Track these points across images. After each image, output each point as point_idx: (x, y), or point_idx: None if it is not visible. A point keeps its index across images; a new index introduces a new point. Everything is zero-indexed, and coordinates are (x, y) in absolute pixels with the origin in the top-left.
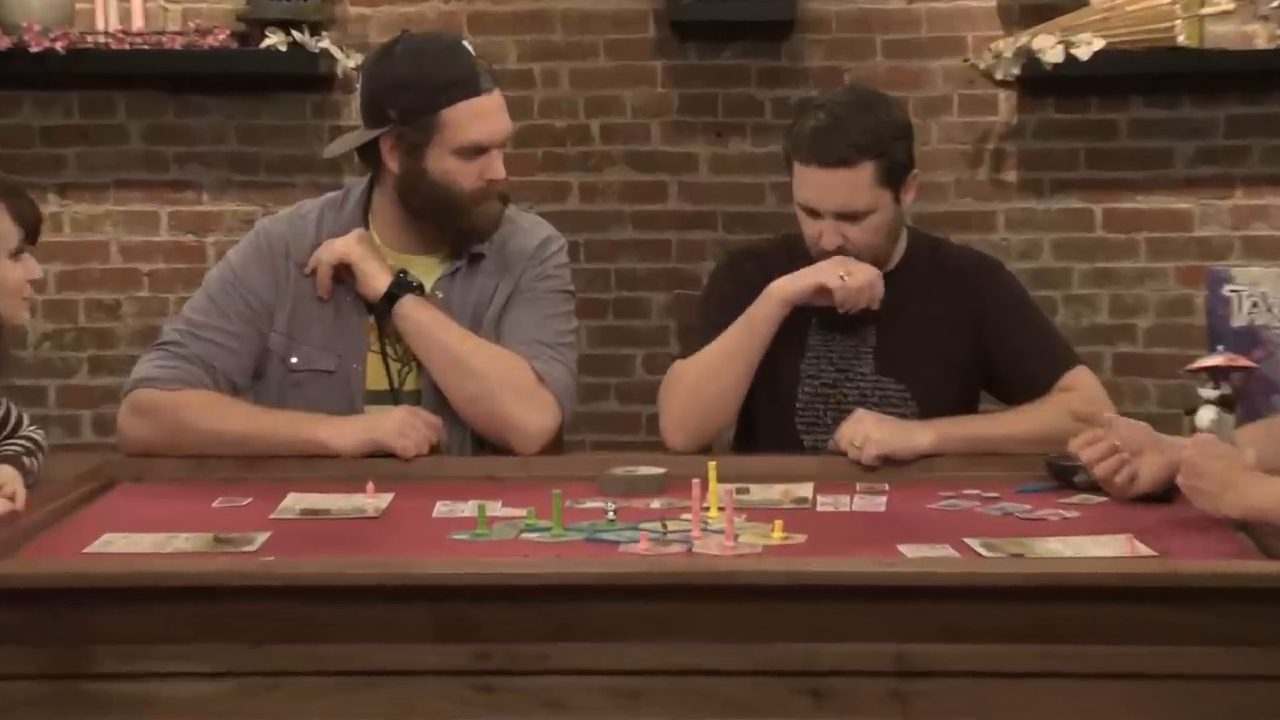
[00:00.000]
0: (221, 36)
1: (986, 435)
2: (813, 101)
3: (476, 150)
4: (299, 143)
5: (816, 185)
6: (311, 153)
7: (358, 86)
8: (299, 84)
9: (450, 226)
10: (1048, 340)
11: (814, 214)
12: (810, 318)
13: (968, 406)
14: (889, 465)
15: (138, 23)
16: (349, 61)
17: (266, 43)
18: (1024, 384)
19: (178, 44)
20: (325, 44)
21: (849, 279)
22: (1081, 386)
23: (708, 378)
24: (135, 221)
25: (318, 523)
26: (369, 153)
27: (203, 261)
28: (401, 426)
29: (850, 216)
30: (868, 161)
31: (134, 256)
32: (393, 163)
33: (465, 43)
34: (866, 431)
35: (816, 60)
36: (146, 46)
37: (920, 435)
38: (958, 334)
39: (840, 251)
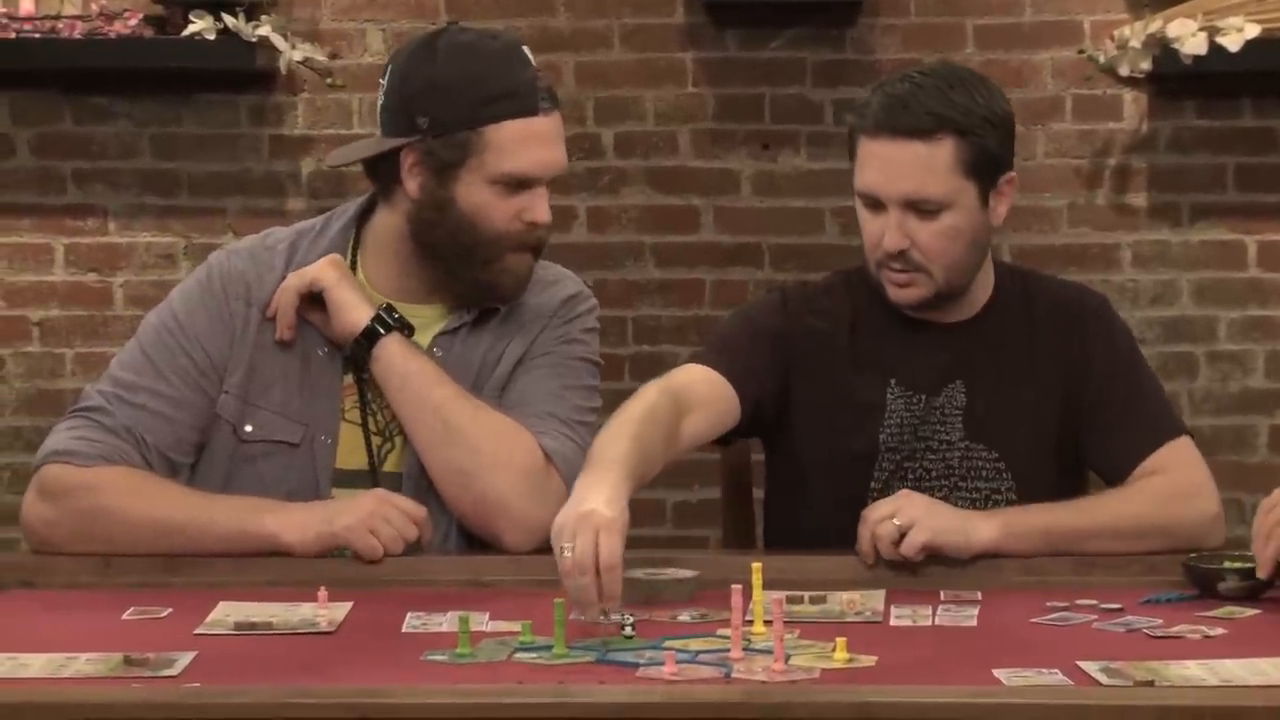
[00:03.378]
0: (132, 22)
1: (1063, 528)
2: (896, 75)
3: (520, 183)
4: (231, 156)
5: (883, 162)
6: (247, 169)
7: (381, 84)
8: (231, 82)
9: (467, 276)
10: (1144, 402)
11: (877, 205)
12: (889, 376)
13: (1073, 483)
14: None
15: (26, 6)
16: (294, 54)
17: (190, 30)
18: (1111, 458)
19: (77, 32)
20: (265, 31)
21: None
22: (1178, 464)
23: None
24: (23, 257)
25: (255, 640)
26: (382, 168)
27: (109, 307)
28: (370, 519)
29: (921, 209)
30: (949, 137)
31: (21, 301)
32: (412, 183)
33: (525, 48)
34: (914, 515)
35: (890, 52)
36: (37, 35)
37: (981, 527)
38: (1054, 391)
39: (903, 258)
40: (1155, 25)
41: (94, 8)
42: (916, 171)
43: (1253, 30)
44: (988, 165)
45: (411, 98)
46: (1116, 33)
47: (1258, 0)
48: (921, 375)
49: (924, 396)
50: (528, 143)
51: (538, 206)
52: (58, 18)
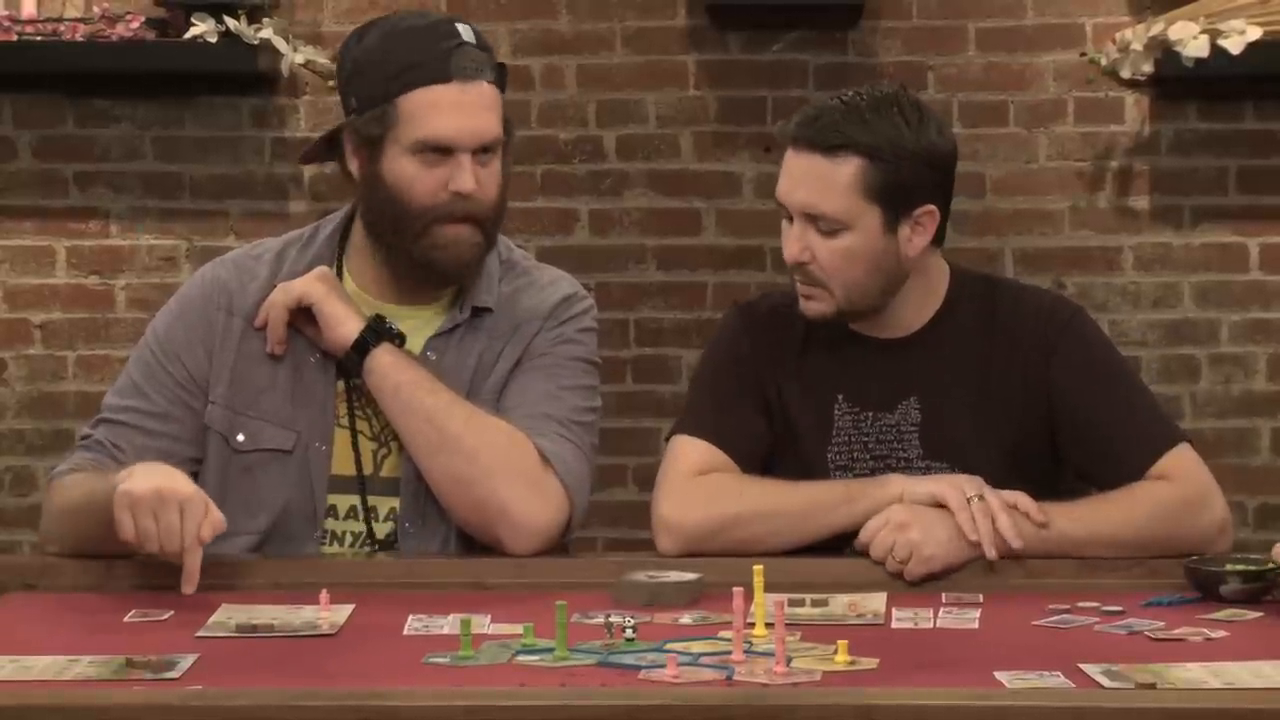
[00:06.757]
0: (134, 26)
1: (1064, 537)
2: (843, 90)
3: (436, 150)
4: (233, 159)
5: (790, 172)
6: (248, 171)
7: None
8: (233, 85)
9: (404, 255)
10: (1136, 413)
11: (788, 215)
12: (836, 393)
13: (1044, 495)
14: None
15: (28, 9)
16: (296, 56)
17: (192, 33)
18: (1107, 470)
19: (79, 35)
20: (266, 34)
21: (977, 504)
22: (1181, 473)
23: (744, 519)
24: (24, 259)
25: (257, 642)
26: (341, 159)
27: (110, 309)
28: (151, 500)
29: (820, 225)
30: (853, 157)
31: (23, 304)
32: (354, 165)
33: (461, 24)
34: (911, 542)
35: (892, 54)
36: (40, 38)
37: None
38: (1014, 404)
39: (800, 269)
40: (1157, 28)
41: (96, 10)
42: (815, 185)
43: (1254, 33)
44: (896, 194)
45: (345, 81)
46: (1118, 35)
47: (1260, 3)
48: (869, 391)
49: (873, 414)
50: (438, 109)
51: (460, 175)
52: (60, 20)
